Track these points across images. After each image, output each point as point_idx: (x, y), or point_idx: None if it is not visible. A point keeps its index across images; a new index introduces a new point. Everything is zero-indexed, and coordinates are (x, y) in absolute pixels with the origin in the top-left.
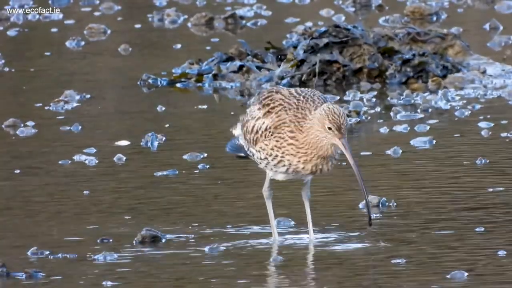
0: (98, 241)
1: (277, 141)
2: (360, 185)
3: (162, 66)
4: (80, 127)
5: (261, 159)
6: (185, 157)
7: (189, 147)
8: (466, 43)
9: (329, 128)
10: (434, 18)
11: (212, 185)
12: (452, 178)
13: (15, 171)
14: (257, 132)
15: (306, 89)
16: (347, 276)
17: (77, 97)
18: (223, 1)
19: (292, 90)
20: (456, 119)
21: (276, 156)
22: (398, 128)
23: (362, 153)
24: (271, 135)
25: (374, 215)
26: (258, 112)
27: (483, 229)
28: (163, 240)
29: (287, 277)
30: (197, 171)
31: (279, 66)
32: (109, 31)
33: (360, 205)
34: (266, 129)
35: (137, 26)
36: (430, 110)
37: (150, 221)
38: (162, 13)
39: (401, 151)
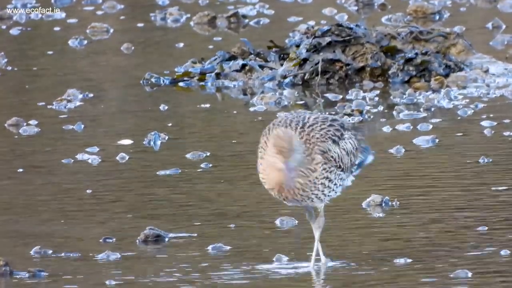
0: (101, 240)
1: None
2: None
3: (164, 65)
4: (83, 126)
5: None
6: (187, 156)
7: (192, 146)
8: (468, 42)
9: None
10: (437, 17)
11: (215, 184)
12: (455, 177)
13: (18, 170)
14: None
15: (310, 115)
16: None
17: (80, 96)
18: (226, 0)
19: (288, 117)
20: (458, 118)
21: (264, 183)
22: (401, 127)
23: None
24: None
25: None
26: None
27: (486, 228)
28: (166, 239)
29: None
30: (200, 170)
31: (281, 65)
32: (111, 30)
33: (363, 204)
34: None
35: (140, 25)
36: (432, 109)
37: (153, 220)
38: (164, 12)
39: (404, 150)
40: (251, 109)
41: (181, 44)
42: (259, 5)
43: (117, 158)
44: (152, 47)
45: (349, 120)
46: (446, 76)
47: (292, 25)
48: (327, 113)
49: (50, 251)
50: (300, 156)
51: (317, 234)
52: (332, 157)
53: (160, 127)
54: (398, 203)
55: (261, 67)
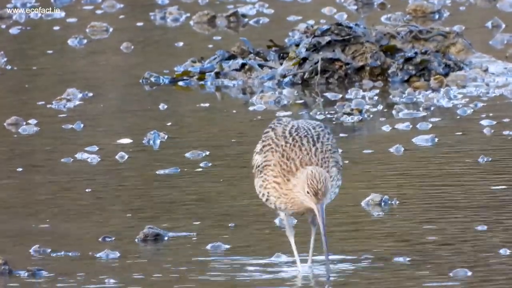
0: (100, 239)
1: (263, 181)
2: (325, 252)
3: (164, 64)
4: (82, 125)
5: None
6: (187, 155)
7: (191, 145)
8: (468, 41)
9: (308, 192)
10: (436, 16)
11: (214, 183)
12: (454, 176)
13: (18, 169)
14: (252, 167)
15: (304, 124)
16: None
17: (79, 95)
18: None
19: (288, 127)
20: (458, 117)
21: (263, 195)
22: (400, 126)
23: (364, 151)
24: (260, 173)
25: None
26: (258, 145)
27: (485, 227)
28: (165, 238)
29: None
30: (199, 169)
31: (281, 64)
32: (111, 29)
33: (363, 203)
34: (257, 167)
35: (139, 24)
36: (432, 108)
37: (152, 219)
38: (164, 11)
39: (403, 149)
40: (251, 108)
41: (181, 43)
42: (259, 4)
43: (117, 157)
44: (152, 46)
45: (349, 119)
46: (446, 75)
47: (291, 24)
48: (318, 113)
49: (49, 250)
50: (330, 194)
51: (314, 232)
52: (341, 166)
53: (159, 126)
54: (397, 202)
55: (261, 66)
